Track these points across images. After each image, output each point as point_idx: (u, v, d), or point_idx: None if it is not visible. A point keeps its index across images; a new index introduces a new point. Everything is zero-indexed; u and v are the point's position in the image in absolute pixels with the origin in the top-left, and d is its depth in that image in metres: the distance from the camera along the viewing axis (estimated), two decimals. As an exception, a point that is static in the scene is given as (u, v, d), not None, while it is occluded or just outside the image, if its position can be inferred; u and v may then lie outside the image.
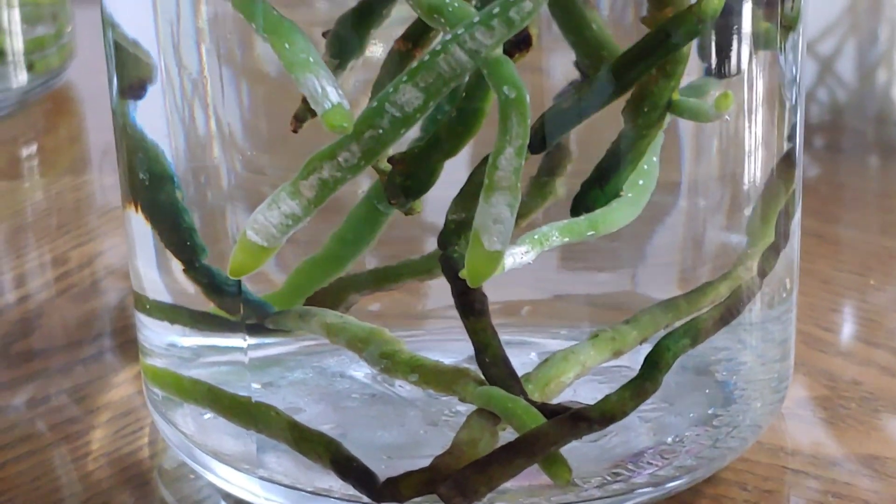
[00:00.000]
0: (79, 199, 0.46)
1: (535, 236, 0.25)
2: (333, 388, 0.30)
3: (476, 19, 0.24)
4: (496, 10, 0.24)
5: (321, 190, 0.25)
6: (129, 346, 0.36)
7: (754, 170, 0.29)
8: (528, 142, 0.24)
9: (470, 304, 0.26)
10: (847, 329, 0.37)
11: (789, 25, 0.28)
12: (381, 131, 0.24)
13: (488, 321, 0.26)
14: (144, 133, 0.29)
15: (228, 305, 0.29)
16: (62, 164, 0.50)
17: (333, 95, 0.24)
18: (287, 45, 0.24)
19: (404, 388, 0.29)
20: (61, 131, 0.53)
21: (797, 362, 0.32)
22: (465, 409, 0.27)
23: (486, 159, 0.25)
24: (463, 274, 0.25)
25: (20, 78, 0.53)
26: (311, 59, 0.24)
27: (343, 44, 0.27)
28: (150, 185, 0.29)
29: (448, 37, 0.24)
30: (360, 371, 0.30)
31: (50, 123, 0.54)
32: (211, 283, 0.29)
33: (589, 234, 0.26)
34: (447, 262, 0.26)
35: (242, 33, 0.27)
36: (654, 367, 0.26)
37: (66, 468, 0.31)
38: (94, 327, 0.37)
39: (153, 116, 0.29)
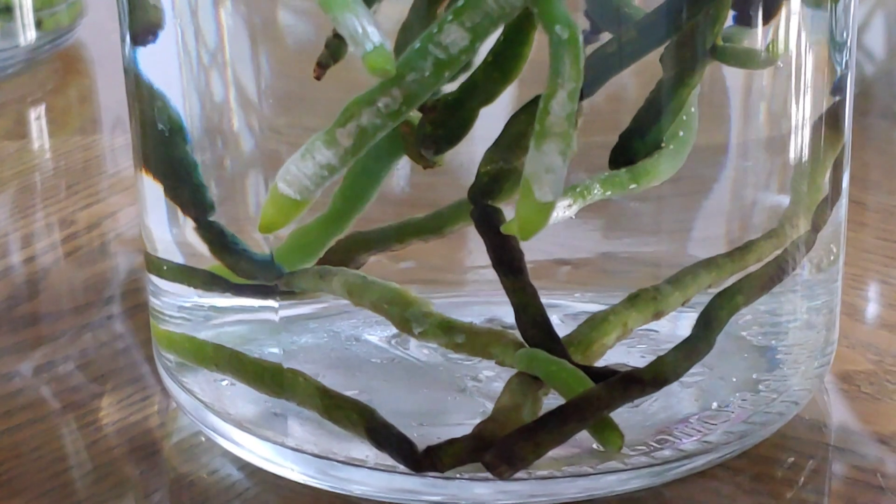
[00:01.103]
0: (87, 160, 0.44)
1: (577, 189, 0.24)
2: (351, 352, 0.29)
3: None
4: None
5: (359, 138, 0.23)
6: (137, 311, 0.35)
7: (801, 130, 0.28)
8: (580, 84, 0.22)
9: (509, 262, 0.25)
10: (893, 300, 0.36)
11: None
12: (424, 75, 0.23)
13: (528, 279, 0.25)
14: (153, 85, 0.28)
15: (236, 265, 0.28)
16: (71, 125, 0.48)
17: (375, 36, 0.22)
18: None
19: (422, 352, 0.28)
20: (70, 91, 0.52)
21: (840, 335, 0.31)
22: (493, 373, 0.26)
23: (524, 108, 0.24)
24: (507, 228, 0.24)
25: (28, 35, 0.52)
26: None
27: None
28: (159, 139, 0.28)
29: None
30: (375, 335, 0.29)
31: (59, 83, 0.52)
32: (220, 240, 0.27)
33: (631, 187, 0.25)
34: (484, 215, 0.25)
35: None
36: (706, 327, 0.26)
37: (70, 437, 0.30)
38: (102, 291, 0.36)
39: (168, 77, 0.28)
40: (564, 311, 0.27)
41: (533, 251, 0.25)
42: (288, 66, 0.27)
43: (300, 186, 0.24)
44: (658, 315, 0.26)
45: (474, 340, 0.25)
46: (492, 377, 0.26)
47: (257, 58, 0.27)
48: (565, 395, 0.25)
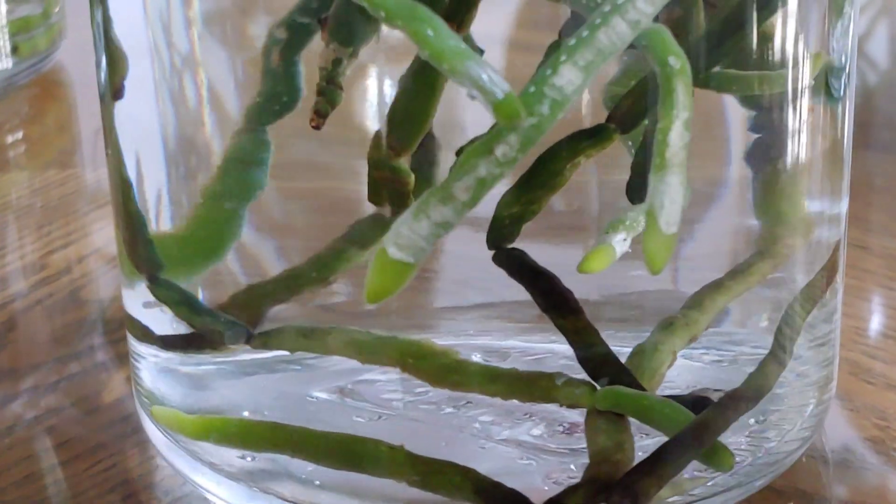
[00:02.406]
0: (63, 196, 0.43)
1: (626, 222, 0.24)
2: (320, 410, 0.28)
3: None
4: None
5: (478, 190, 0.23)
6: (114, 365, 0.33)
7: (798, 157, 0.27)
8: (692, 114, 0.23)
9: (564, 303, 0.25)
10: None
11: (837, 11, 0.27)
12: (542, 118, 0.23)
13: (586, 318, 0.25)
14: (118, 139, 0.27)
15: (201, 324, 0.27)
16: (47, 157, 0.47)
17: (502, 83, 0.22)
18: (431, 32, 0.22)
19: (401, 403, 0.27)
20: (48, 119, 0.50)
21: (842, 396, 0.29)
22: (490, 419, 0.26)
23: (566, 143, 0.24)
24: (584, 267, 0.24)
25: (5, 61, 0.50)
26: (462, 46, 0.22)
27: (351, 29, 0.25)
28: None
29: (607, 8, 0.23)
30: (322, 391, 0.28)
31: (36, 110, 0.51)
32: (181, 298, 0.27)
33: None
34: (520, 261, 0.25)
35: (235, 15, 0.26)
36: (786, 337, 0.27)
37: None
38: (72, 343, 0.34)
39: (141, 98, 0.27)
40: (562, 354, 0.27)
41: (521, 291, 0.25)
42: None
43: (416, 249, 0.23)
44: (692, 340, 0.26)
45: (530, 386, 0.25)
46: (488, 422, 0.26)
47: (234, 71, 0.26)
48: (664, 426, 0.25)
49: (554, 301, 0.25)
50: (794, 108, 0.27)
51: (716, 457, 0.25)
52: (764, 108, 0.27)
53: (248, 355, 0.28)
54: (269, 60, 0.26)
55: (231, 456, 0.27)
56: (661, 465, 0.25)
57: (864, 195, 0.41)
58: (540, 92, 0.23)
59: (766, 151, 0.27)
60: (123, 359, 0.33)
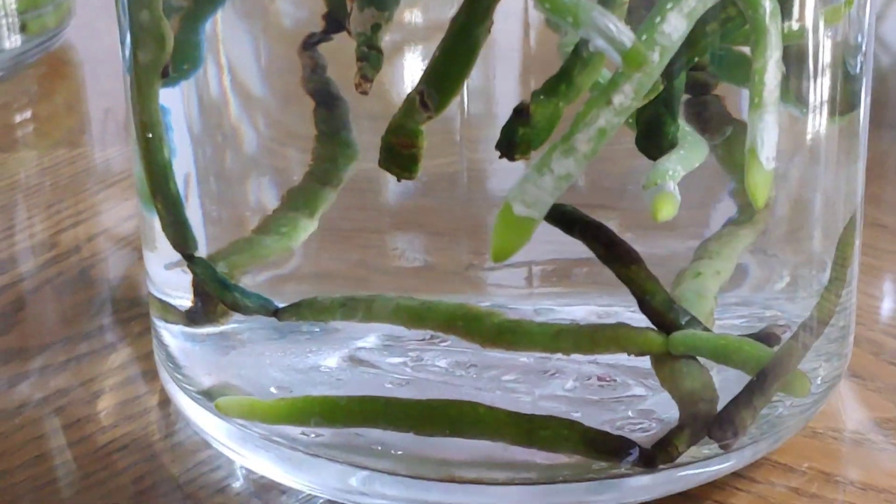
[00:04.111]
0: (74, 175, 0.42)
1: (669, 171, 0.25)
2: (344, 381, 0.28)
3: None
4: None
5: (598, 140, 0.23)
6: (125, 345, 0.32)
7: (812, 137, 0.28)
8: (782, 53, 0.24)
9: (627, 253, 0.25)
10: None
11: None
12: (652, 65, 0.23)
13: (646, 267, 0.25)
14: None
15: (233, 301, 0.27)
16: (57, 136, 0.46)
17: (628, 32, 0.23)
18: None
19: (409, 368, 0.27)
20: (57, 98, 0.50)
21: (862, 376, 0.29)
22: (514, 377, 0.27)
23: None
24: (660, 215, 0.24)
25: (13, 39, 0.50)
26: None
27: None
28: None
29: None
30: (329, 361, 0.28)
31: (45, 89, 0.50)
32: (213, 275, 0.27)
33: (696, 165, 0.25)
34: (571, 215, 0.25)
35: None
36: (842, 266, 0.28)
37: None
38: (83, 323, 0.34)
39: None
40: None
41: (529, 253, 0.25)
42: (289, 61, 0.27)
43: (541, 204, 0.24)
44: (722, 288, 0.27)
45: (596, 338, 0.25)
46: (514, 379, 0.27)
47: (256, 48, 0.27)
48: (744, 363, 0.26)
49: (617, 252, 0.25)
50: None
51: (795, 384, 0.26)
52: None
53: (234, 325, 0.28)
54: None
55: (293, 431, 0.27)
56: (754, 396, 0.26)
57: (880, 174, 0.41)
58: (651, 39, 0.23)
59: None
60: (135, 338, 0.33)
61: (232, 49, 0.27)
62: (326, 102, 0.27)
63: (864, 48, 0.28)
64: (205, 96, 0.28)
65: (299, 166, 0.28)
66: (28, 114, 0.48)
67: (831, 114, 0.27)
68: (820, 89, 0.27)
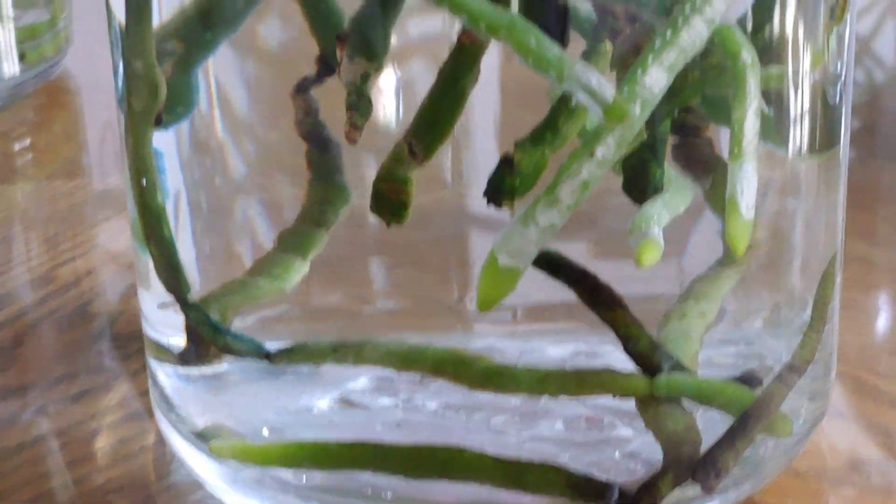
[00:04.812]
0: (71, 207, 0.43)
1: (654, 216, 0.25)
2: (336, 423, 0.28)
3: None
4: None
5: (581, 191, 0.24)
6: (122, 382, 0.33)
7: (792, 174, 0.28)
8: (761, 104, 0.25)
9: (612, 298, 0.25)
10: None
11: (835, 17, 0.27)
12: (634, 117, 0.24)
13: (629, 311, 0.25)
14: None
15: (225, 345, 0.28)
16: (55, 166, 0.47)
17: (609, 87, 0.23)
18: (533, 42, 0.23)
19: (399, 410, 0.28)
20: (55, 127, 0.50)
21: (846, 414, 0.29)
22: (503, 419, 0.27)
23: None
24: (643, 260, 0.25)
25: (11, 69, 0.50)
26: (564, 54, 0.23)
27: (372, 43, 0.25)
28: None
29: (688, 8, 0.24)
30: (320, 402, 0.28)
31: (43, 118, 0.51)
32: (206, 319, 0.28)
33: (682, 209, 0.26)
34: (555, 260, 0.25)
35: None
36: (822, 309, 0.28)
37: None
38: (78, 362, 0.34)
39: None
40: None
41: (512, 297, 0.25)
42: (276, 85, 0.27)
43: (526, 254, 0.24)
44: (708, 329, 0.27)
45: (582, 382, 0.26)
46: (503, 421, 0.27)
47: (249, 89, 0.27)
48: (727, 405, 0.26)
49: (601, 297, 0.25)
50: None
51: (778, 425, 0.27)
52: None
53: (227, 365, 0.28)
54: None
55: (285, 474, 0.27)
56: (737, 439, 0.26)
57: (866, 205, 0.41)
58: (633, 92, 0.24)
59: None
60: (132, 375, 0.33)
61: (225, 91, 0.28)
62: (319, 145, 0.28)
63: (843, 77, 0.28)
64: (198, 137, 0.28)
65: (292, 207, 0.28)
66: (27, 143, 0.49)
67: (811, 150, 0.28)
68: (800, 127, 0.27)
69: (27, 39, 0.51)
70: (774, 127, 0.27)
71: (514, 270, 0.24)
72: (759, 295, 0.29)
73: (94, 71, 0.53)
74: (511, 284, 0.24)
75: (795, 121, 0.27)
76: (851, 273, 0.34)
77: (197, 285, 0.28)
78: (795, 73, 0.27)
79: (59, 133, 0.50)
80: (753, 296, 0.28)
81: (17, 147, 0.48)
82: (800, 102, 0.27)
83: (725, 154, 0.27)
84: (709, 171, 0.27)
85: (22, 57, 0.50)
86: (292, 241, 0.28)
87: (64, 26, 0.53)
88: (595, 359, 0.27)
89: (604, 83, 0.23)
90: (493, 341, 0.28)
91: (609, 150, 0.24)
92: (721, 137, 0.27)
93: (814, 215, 0.29)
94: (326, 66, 0.27)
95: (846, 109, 0.29)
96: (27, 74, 0.51)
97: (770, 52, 0.27)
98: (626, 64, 0.25)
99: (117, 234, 0.40)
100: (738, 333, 0.29)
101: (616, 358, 0.26)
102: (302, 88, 0.27)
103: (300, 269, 0.28)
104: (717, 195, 0.28)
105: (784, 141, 0.27)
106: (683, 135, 0.27)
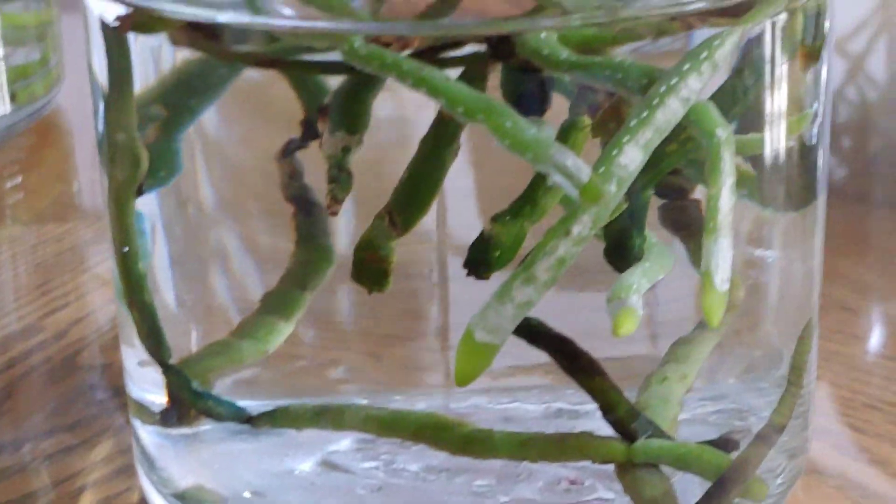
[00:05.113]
0: (60, 253, 0.43)
1: (633, 285, 0.25)
2: (318, 486, 0.28)
3: (686, 66, 0.24)
4: (704, 55, 0.24)
5: (557, 269, 0.24)
6: (108, 437, 0.33)
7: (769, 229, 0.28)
8: (735, 179, 0.25)
9: (591, 364, 0.26)
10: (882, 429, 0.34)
11: (811, 56, 0.28)
12: (610, 195, 0.24)
13: (609, 378, 0.26)
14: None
15: (206, 408, 0.28)
16: (45, 210, 0.47)
17: (584, 167, 0.24)
18: (510, 124, 0.24)
19: (381, 472, 0.28)
20: (45, 168, 0.50)
21: (822, 471, 0.30)
22: (485, 482, 0.27)
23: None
24: (620, 330, 0.25)
25: (2, 108, 0.50)
26: (542, 135, 0.24)
27: (355, 116, 0.26)
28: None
29: (663, 88, 0.24)
30: (302, 465, 0.28)
31: (34, 158, 0.51)
32: (187, 384, 0.28)
33: (660, 277, 0.26)
34: (536, 328, 0.25)
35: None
36: (799, 373, 0.28)
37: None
38: (68, 415, 0.35)
39: None
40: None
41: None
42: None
43: (502, 330, 0.25)
44: (687, 391, 0.27)
45: (562, 448, 0.26)
46: (487, 484, 0.27)
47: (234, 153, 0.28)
48: (703, 470, 0.26)
49: (580, 364, 0.26)
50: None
51: (753, 488, 0.27)
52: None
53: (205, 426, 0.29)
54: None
55: None
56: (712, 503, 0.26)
57: (848, 252, 0.42)
58: (608, 171, 0.24)
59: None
60: (118, 430, 0.34)
61: (208, 155, 0.28)
62: (305, 208, 0.28)
63: (820, 117, 0.28)
64: (180, 199, 0.28)
65: (276, 269, 0.28)
66: (18, 181, 0.49)
67: (787, 201, 0.28)
68: (776, 181, 0.28)
69: (18, 79, 0.51)
70: (755, 184, 0.28)
71: (491, 346, 0.25)
72: (734, 351, 0.29)
73: (85, 109, 0.53)
74: (488, 360, 0.25)
75: (772, 175, 0.28)
76: (829, 323, 0.34)
77: (181, 345, 0.29)
78: (772, 133, 0.27)
79: (49, 173, 0.50)
80: (728, 352, 0.29)
81: (7, 186, 0.49)
82: (778, 159, 0.28)
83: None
84: (695, 232, 0.28)
85: (13, 97, 0.51)
86: (276, 303, 0.28)
87: (55, 65, 0.53)
88: (576, 418, 0.28)
89: (580, 164, 0.24)
90: (476, 403, 0.28)
91: (585, 228, 0.24)
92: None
93: (790, 267, 0.29)
94: (311, 130, 0.27)
95: (823, 151, 0.29)
96: (18, 114, 0.51)
97: (748, 118, 0.27)
98: (608, 130, 0.26)
99: (106, 282, 0.41)
100: (713, 389, 0.29)
101: (595, 416, 0.26)
102: (287, 152, 0.28)
103: (284, 331, 0.28)
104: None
105: (763, 198, 0.28)
106: (670, 197, 0.28)
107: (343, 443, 0.29)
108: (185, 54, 0.27)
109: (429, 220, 0.26)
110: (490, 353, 0.25)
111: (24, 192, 0.48)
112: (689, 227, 0.28)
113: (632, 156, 0.24)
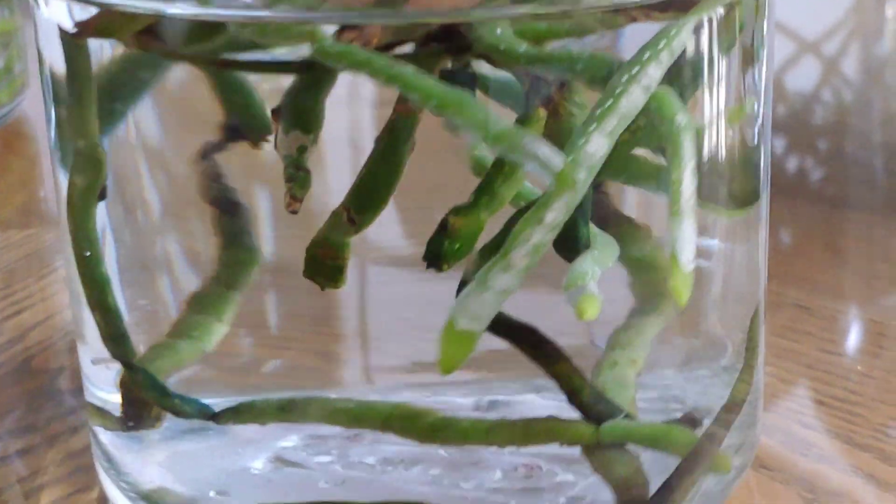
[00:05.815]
0: (22, 256, 0.43)
1: (589, 272, 0.26)
2: (279, 482, 0.28)
3: (646, 55, 0.25)
4: (662, 44, 0.25)
5: (533, 255, 0.25)
6: (65, 440, 0.33)
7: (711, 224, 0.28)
8: (696, 162, 0.26)
9: (556, 351, 0.26)
10: (833, 427, 0.33)
11: (748, 58, 0.28)
12: (580, 182, 0.25)
13: (572, 364, 0.26)
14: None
15: (172, 407, 0.28)
16: (7, 217, 0.47)
17: (558, 155, 0.25)
18: (482, 116, 0.24)
19: (338, 466, 0.28)
20: (10, 176, 0.50)
21: (771, 466, 0.30)
22: (439, 472, 0.27)
23: (519, 213, 0.25)
24: (585, 315, 0.25)
25: (-34, 116, 0.51)
26: (515, 127, 0.25)
27: (308, 115, 0.26)
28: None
29: (625, 77, 0.25)
30: (259, 460, 0.29)
31: (-3, 167, 0.51)
32: (153, 382, 0.28)
33: (610, 264, 0.27)
34: (500, 319, 0.26)
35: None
36: (753, 353, 0.29)
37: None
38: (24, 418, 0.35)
39: None
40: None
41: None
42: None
43: (482, 318, 0.25)
44: (638, 375, 0.28)
45: (529, 432, 0.27)
46: (441, 475, 0.27)
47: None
48: (672, 447, 0.27)
49: (544, 351, 0.26)
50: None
51: (717, 463, 0.28)
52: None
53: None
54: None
55: None
56: (682, 481, 0.27)
57: (802, 252, 0.42)
58: (577, 160, 0.25)
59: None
60: (73, 432, 0.34)
61: (150, 161, 0.28)
62: (228, 209, 0.28)
63: (761, 118, 0.29)
64: (127, 205, 0.29)
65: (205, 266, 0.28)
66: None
67: (729, 197, 0.28)
68: (716, 174, 0.28)
69: (-19, 87, 0.51)
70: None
71: (473, 333, 0.25)
72: (674, 340, 0.29)
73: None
74: (470, 347, 0.25)
75: (712, 168, 0.28)
76: (783, 321, 0.35)
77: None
78: (711, 125, 0.28)
79: (13, 180, 0.50)
80: (668, 339, 0.29)
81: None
82: (719, 152, 0.28)
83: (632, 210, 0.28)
84: (616, 226, 0.28)
85: (-25, 105, 0.51)
86: (206, 303, 0.28)
87: (19, 73, 0.53)
88: (508, 407, 0.28)
89: (554, 152, 0.24)
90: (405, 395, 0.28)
91: (558, 215, 0.25)
92: (624, 195, 0.28)
93: (733, 258, 0.29)
94: (231, 132, 0.27)
95: (765, 150, 0.29)
96: (-19, 122, 0.51)
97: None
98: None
99: (64, 287, 0.41)
100: (654, 378, 0.29)
101: (528, 405, 0.27)
102: (205, 154, 0.28)
103: (218, 331, 0.28)
104: (624, 250, 0.28)
105: (705, 196, 0.28)
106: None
107: (291, 438, 0.29)
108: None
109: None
110: (471, 340, 0.25)
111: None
112: (608, 220, 0.28)
113: (598, 143, 0.25)
